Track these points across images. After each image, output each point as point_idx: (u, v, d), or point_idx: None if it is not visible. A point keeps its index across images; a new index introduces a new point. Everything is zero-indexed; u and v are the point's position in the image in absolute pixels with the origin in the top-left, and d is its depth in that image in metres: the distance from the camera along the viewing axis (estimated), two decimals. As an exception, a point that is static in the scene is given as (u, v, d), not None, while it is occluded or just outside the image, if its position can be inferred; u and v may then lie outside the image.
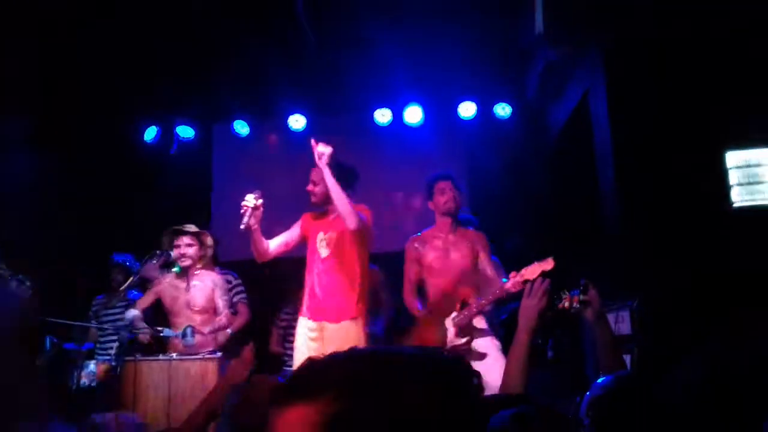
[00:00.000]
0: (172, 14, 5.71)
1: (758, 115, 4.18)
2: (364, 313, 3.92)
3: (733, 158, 4.20)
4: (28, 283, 4.78)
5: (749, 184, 4.12)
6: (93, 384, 4.37)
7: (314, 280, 3.96)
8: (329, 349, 3.57)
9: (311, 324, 3.89)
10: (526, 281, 3.71)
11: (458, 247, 4.12)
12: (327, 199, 3.96)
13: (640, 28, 4.52)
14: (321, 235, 4.02)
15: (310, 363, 0.95)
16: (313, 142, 3.90)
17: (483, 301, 3.91)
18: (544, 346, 5.35)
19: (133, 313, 4.17)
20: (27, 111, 5.79)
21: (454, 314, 3.96)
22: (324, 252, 3.98)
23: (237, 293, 5.12)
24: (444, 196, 4.14)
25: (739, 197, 4.14)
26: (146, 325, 4.21)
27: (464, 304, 3.95)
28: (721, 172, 4.23)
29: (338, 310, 3.85)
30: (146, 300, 4.52)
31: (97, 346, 5.20)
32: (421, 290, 4.25)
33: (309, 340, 3.86)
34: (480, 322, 4.01)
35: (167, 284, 4.50)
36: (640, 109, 4.49)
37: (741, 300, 3.85)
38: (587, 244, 5.36)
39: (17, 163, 5.40)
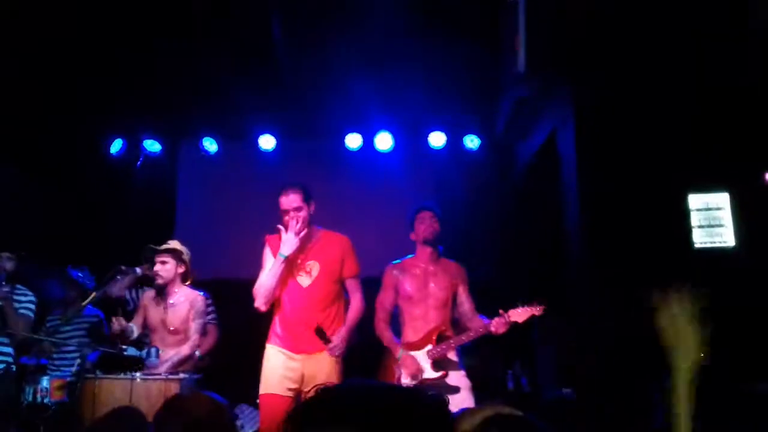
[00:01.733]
0: (144, 28, 5.68)
1: (720, 160, 4.36)
2: None
3: (695, 201, 4.36)
4: (22, 297, 4.67)
5: (710, 226, 4.28)
6: (45, 400, 4.23)
7: (290, 310, 3.78)
8: (307, 378, 3.49)
9: (287, 353, 3.73)
10: (513, 323, 3.79)
11: (438, 278, 4.11)
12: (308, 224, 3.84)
13: (610, 70, 4.68)
14: (298, 263, 3.83)
15: (324, 393, 0.97)
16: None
17: (463, 338, 3.95)
18: (504, 378, 5.41)
19: (132, 326, 4.21)
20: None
21: (429, 347, 3.96)
22: (305, 282, 3.82)
23: (207, 313, 5.03)
24: (422, 225, 4.17)
25: (700, 239, 4.29)
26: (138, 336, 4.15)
27: (441, 338, 3.95)
28: (684, 215, 4.39)
29: (318, 341, 3.66)
30: (139, 319, 4.43)
31: (50, 361, 5.04)
32: (394, 318, 4.22)
33: (283, 368, 3.70)
34: (453, 356, 4.03)
35: (150, 300, 4.42)
36: (607, 150, 4.63)
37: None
38: (550, 278, 5.46)
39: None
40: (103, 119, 6.70)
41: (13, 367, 4.59)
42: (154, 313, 4.34)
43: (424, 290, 4.09)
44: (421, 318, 4.06)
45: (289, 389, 3.67)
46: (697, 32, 4.46)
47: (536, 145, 5.97)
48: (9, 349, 4.68)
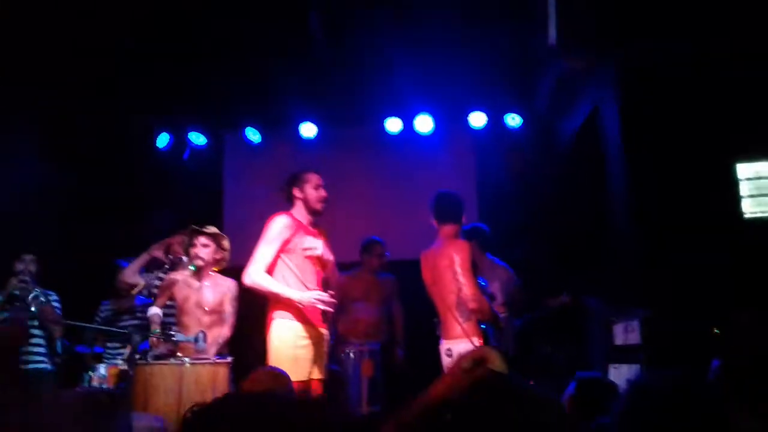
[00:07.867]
0: (186, 22, 5.78)
1: (769, 127, 4.20)
2: None
3: (743, 170, 4.21)
4: (51, 297, 4.84)
5: (760, 195, 4.13)
6: (103, 387, 4.39)
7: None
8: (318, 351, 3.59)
9: (312, 330, 3.88)
10: None
11: None
12: None
13: (652, 43, 4.54)
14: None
15: None
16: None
17: None
18: (556, 355, 5.36)
19: (154, 310, 4.24)
20: (40, 115, 5.87)
21: None
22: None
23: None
24: None
25: (749, 208, 4.15)
26: (159, 329, 4.23)
27: None
28: (732, 184, 4.24)
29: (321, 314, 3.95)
30: (163, 298, 4.50)
31: (106, 349, 5.23)
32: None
33: (306, 344, 3.85)
34: None
35: (181, 281, 4.46)
36: (652, 122, 4.51)
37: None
38: (596, 253, 5.37)
39: (29, 169, 5.46)
40: (151, 114, 6.88)
41: (49, 367, 4.79)
42: (187, 294, 4.38)
43: None
44: None
45: None
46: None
47: (579, 121, 5.86)
48: (45, 350, 4.87)
